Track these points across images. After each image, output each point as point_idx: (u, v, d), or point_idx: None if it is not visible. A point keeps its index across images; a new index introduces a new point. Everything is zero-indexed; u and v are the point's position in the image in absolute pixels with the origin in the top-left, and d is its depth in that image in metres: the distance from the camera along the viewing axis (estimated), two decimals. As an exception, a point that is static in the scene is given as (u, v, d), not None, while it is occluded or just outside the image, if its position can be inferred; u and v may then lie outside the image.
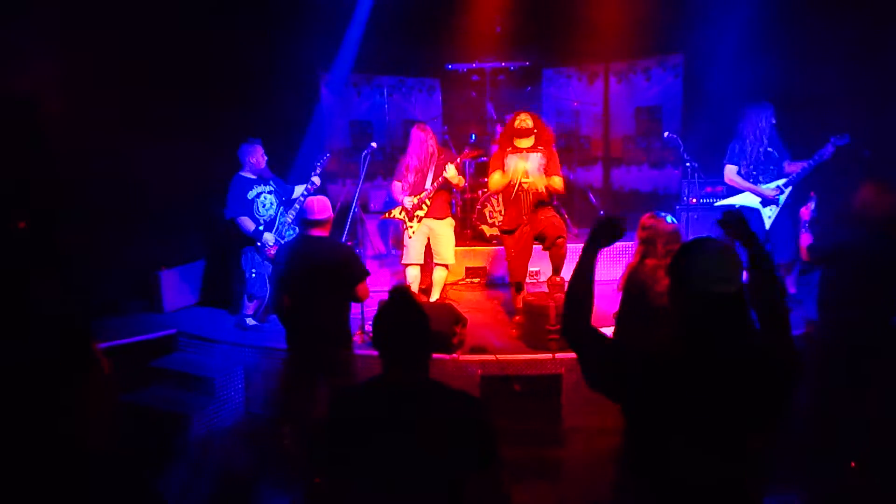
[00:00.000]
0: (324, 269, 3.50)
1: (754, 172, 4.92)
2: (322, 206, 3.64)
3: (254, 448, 4.10)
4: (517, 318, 4.86)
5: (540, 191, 4.68)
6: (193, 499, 3.42)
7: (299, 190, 5.12)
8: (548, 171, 4.71)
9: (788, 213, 4.87)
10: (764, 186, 4.88)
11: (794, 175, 4.82)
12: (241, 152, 5.01)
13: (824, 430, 3.27)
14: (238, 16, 5.83)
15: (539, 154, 4.70)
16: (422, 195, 5.13)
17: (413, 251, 5.19)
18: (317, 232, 3.62)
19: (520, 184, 4.68)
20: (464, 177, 5.46)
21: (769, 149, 4.88)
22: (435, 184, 5.10)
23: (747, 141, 4.89)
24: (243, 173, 5.01)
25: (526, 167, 4.66)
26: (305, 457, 3.48)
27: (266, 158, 5.06)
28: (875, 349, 3.16)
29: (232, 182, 4.97)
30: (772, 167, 4.90)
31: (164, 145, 5.03)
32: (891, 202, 3.12)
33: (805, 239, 3.48)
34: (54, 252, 4.86)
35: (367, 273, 3.61)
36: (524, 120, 4.72)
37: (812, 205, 3.50)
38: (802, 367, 1.72)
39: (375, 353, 1.83)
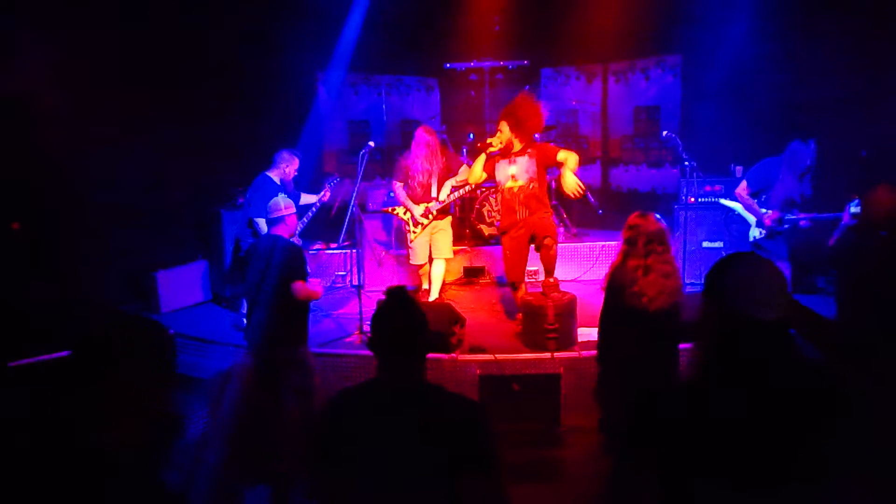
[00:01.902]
0: (272, 268, 3.53)
1: (763, 199, 4.81)
2: (275, 206, 3.66)
3: (248, 449, 4.07)
4: (520, 314, 4.85)
5: (529, 190, 4.68)
6: (188, 498, 3.39)
7: (305, 199, 5.19)
8: (548, 163, 4.69)
9: (783, 238, 4.86)
10: (764, 210, 4.81)
11: (798, 223, 4.70)
12: (278, 156, 5.04)
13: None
14: (235, 15, 5.81)
15: (525, 157, 4.70)
16: (431, 205, 5.19)
17: (420, 252, 5.32)
18: (276, 230, 3.65)
19: (509, 188, 4.73)
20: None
21: (801, 192, 4.70)
22: (447, 199, 5.19)
23: (785, 176, 4.69)
24: (271, 175, 5.01)
25: (512, 172, 4.71)
26: (292, 457, 3.46)
27: (297, 174, 5.13)
28: (884, 356, 3.11)
29: (260, 181, 4.97)
30: (795, 202, 4.77)
31: (159, 146, 5.01)
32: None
33: (832, 239, 3.44)
34: (53, 253, 4.83)
35: (304, 274, 3.58)
36: (499, 134, 4.65)
37: (854, 207, 3.44)
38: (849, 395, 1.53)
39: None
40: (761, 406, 1.47)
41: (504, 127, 4.68)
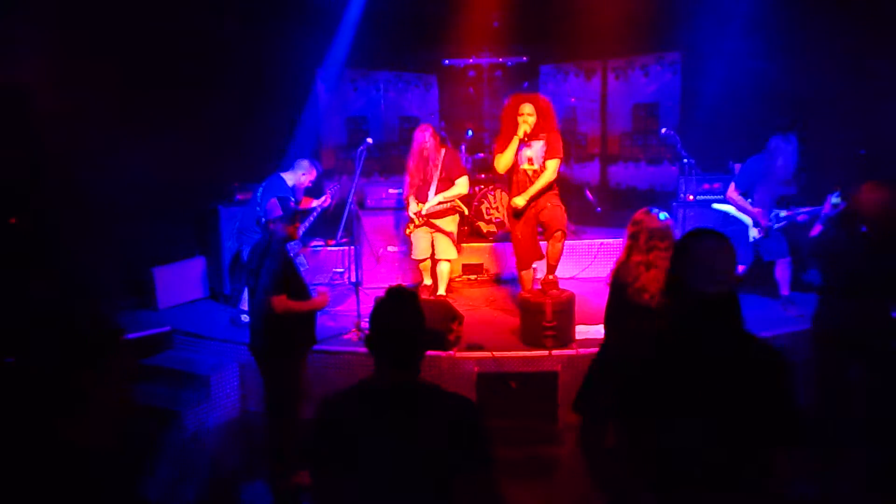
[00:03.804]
0: (259, 275, 3.46)
1: (754, 195, 4.84)
2: (269, 210, 3.55)
3: (246, 445, 4.07)
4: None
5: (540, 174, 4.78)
6: (185, 496, 3.39)
7: (306, 202, 5.19)
8: (547, 154, 4.80)
9: (783, 235, 4.84)
10: (758, 209, 4.83)
11: (794, 218, 4.70)
12: (298, 163, 5.09)
13: (823, 430, 3.26)
14: (234, 12, 5.78)
15: (542, 142, 4.79)
16: (424, 207, 5.16)
17: (419, 247, 5.30)
18: (268, 235, 3.56)
19: (524, 171, 4.79)
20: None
21: (788, 184, 4.76)
22: (439, 206, 5.14)
23: (769, 172, 4.74)
24: (285, 177, 5.03)
25: (529, 155, 4.79)
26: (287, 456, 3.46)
27: (311, 185, 5.17)
28: (868, 345, 3.14)
29: (275, 182, 4.98)
30: (777, 199, 4.81)
31: (158, 141, 4.99)
32: (883, 200, 3.11)
33: (814, 230, 3.47)
34: (50, 249, 4.82)
35: (278, 290, 3.40)
36: (528, 117, 4.70)
37: (835, 199, 3.46)
38: (789, 367, 1.71)
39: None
40: (707, 372, 1.65)
41: (531, 108, 4.71)
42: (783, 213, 4.77)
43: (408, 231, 5.29)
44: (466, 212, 5.47)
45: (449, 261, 5.37)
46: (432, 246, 5.32)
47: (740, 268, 4.99)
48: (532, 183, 4.76)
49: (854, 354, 3.16)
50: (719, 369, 1.66)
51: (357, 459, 1.67)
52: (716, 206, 5.23)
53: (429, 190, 5.17)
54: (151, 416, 4.22)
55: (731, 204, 4.94)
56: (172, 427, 4.12)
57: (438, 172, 5.12)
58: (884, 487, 2.99)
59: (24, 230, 4.72)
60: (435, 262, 5.39)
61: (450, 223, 5.30)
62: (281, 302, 3.38)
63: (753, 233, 4.91)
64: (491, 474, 1.68)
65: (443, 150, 5.19)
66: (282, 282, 3.42)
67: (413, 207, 5.22)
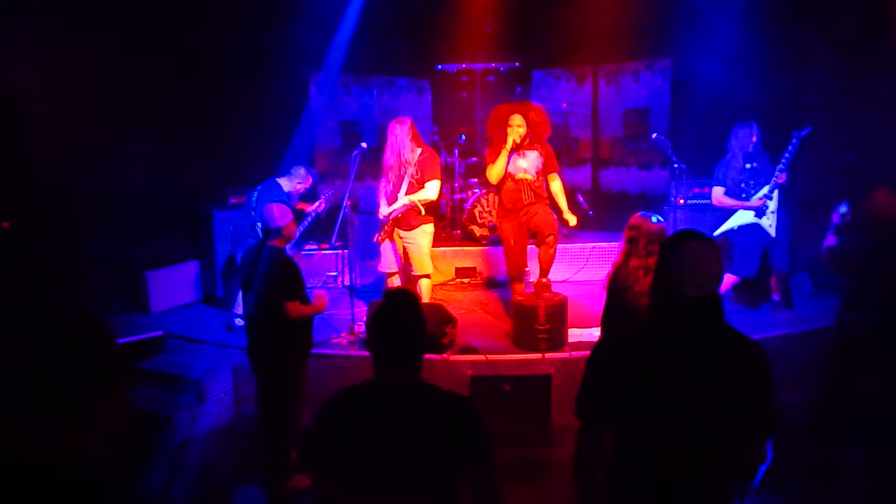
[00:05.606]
0: (263, 282, 3.45)
1: (743, 187, 4.89)
2: (269, 216, 3.52)
3: (240, 450, 4.06)
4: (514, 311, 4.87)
5: (535, 184, 4.84)
6: (178, 500, 3.39)
7: (301, 207, 5.18)
8: (547, 169, 4.88)
9: (783, 224, 4.89)
10: (752, 199, 4.87)
11: (774, 180, 4.79)
12: (295, 170, 5.09)
13: (825, 434, 3.28)
14: (229, 15, 5.79)
15: (536, 153, 4.84)
16: (391, 209, 4.72)
17: (385, 259, 4.93)
18: (271, 241, 3.53)
19: (520, 178, 4.84)
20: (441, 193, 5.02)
21: (753, 164, 4.87)
22: (402, 205, 4.67)
23: (732, 160, 4.90)
24: (281, 182, 5.02)
25: (524, 165, 4.84)
26: (283, 459, 3.46)
27: (305, 192, 5.19)
28: (886, 352, 3.13)
29: (270, 187, 4.97)
30: (762, 181, 4.87)
31: (151, 144, 4.99)
32: None
33: (828, 241, 3.49)
34: (43, 252, 4.80)
35: (297, 293, 3.45)
36: (517, 128, 4.75)
37: (843, 209, 3.50)
38: (767, 359, 1.76)
39: (366, 354, 1.82)
40: (690, 371, 1.70)
41: (521, 120, 4.76)
42: (766, 191, 4.80)
43: (380, 239, 4.79)
44: (423, 212, 4.72)
45: (428, 276, 4.90)
46: (403, 259, 4.90)
47: (734, 278, 4.96)
48: (532, 191, 4.81)
49: (875, 362, 3.15)
50: (701, 368, 1.71)
51: (357, 459, 1.69)
52: (717, 232, 5.02)
53: (399, 191, 4.70)
54: (144, 421, 4.20)
55: (730, 206, 4.92)
56: (165, 431, 4.11)
57: (412, 172, 4.68)
58: (888, 492, 3.01)
59: (16, 234, 4.69)
60: (414, 280, 4.91)
61: (419, 236, 4.77)
62: (296, 308, 3.41)
63: (766, 222, 4.85)
64: (491, 473, 1.70)
65: (419, 149, 4.74)
66: (295, 287, 3.46)
67: (383, 210, 4.78)
